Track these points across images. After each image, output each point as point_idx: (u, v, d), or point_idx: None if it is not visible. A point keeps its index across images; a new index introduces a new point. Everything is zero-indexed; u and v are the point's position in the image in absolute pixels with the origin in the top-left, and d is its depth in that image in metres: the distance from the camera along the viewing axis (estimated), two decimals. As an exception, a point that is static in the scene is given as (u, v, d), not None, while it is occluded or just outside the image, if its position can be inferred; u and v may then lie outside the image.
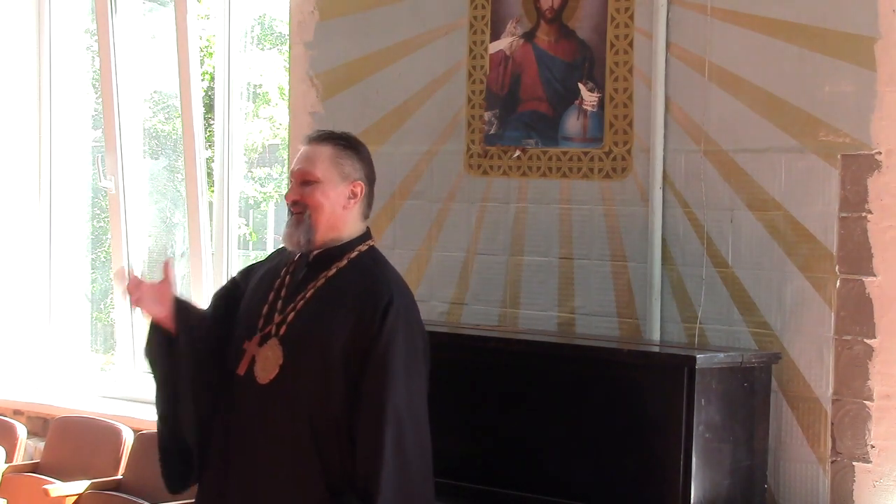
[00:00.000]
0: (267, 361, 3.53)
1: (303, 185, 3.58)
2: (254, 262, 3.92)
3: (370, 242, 3.66)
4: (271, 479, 3.52)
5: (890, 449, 4.06)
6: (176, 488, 3.76)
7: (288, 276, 3.62)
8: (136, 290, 3.61)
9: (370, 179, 3.68)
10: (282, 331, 3.53)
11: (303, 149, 3.65)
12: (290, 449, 3.50)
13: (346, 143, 3.64)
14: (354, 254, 3.60)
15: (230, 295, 3.77)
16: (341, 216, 3.58)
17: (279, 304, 3.59)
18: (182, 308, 3.64)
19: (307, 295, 3.55)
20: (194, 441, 3.65)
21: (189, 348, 3.61)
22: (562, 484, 4.16)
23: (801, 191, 4.23)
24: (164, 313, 3.60)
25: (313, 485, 3.47)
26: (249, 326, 3.60)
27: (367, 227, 3.70)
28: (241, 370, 3.56)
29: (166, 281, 3.65)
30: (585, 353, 4.28)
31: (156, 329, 3.65)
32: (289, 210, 3.61)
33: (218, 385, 3.64)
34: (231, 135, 6.21)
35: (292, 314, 3.54)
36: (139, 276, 3.66)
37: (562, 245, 4.74)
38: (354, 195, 3.61)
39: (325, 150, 3.59)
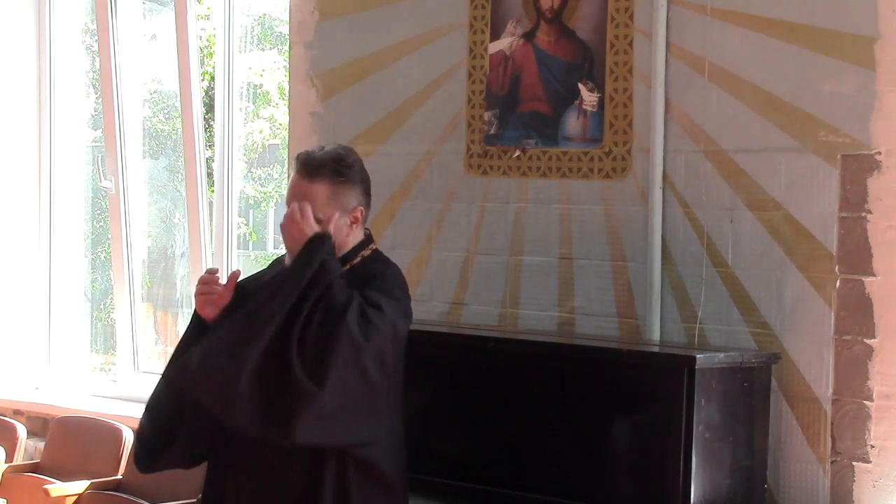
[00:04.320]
0: None
1: None
2: (258, 271, 3.93)
3: (373, 246, 3.67)
4: (268, 480, 3.53)
5: (890, 449, 4.06)
6: (146, 468, 3.75)
7: None
8: (209, 287, 3.61)
9: (368, 194, 3.67)
10: None
11: (296, 181, 3.60)
12: (290, 452, 3.51)
13: (340, 171, 3.58)
14: (357, 259, 3.61)
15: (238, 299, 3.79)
16: (343, 241, 3.60)
17: None
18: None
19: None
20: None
21: None
22: (561, 484, 4.16)
23: (801, 191, 4.23)
24: (213, 314, 3.62)
25: (309, 482, 3.50)
26: None
27: (369, 231, 3.70)
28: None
29: (229, 289, 3.65)
30: (585, 353, 4.28)
31: (197, 321, 3.67)
32: None
33: None
34: (231, 135, 6.21)
35: None
36: (216, 271, 3.70)
37: (562, 245, 4.74)
38: (356, 220, 3.61)
39: (322, 189, 3.55)
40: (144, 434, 3.70)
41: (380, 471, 3.55)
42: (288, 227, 3.54)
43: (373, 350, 3.41)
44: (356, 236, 3.64)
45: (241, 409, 3.40)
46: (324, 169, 3.58)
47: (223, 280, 3.69)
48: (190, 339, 3.64)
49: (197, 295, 3.63)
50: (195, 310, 3.67)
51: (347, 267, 3.58)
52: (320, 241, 3.48)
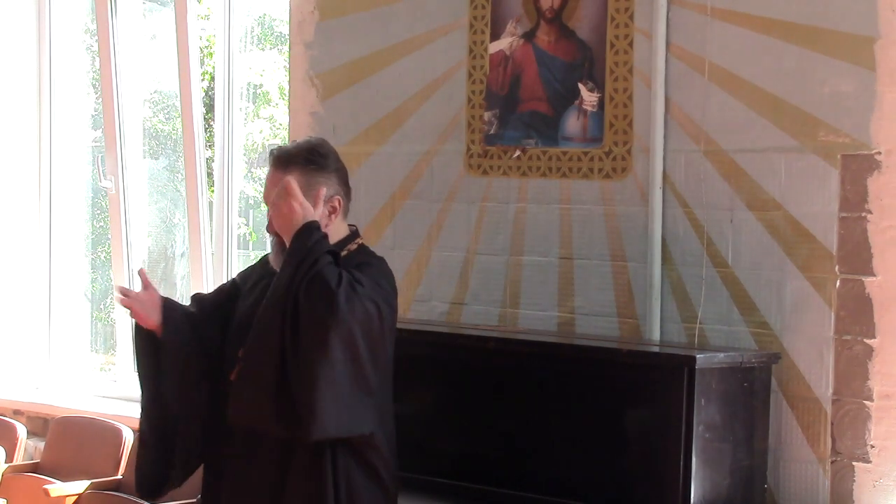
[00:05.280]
0: None
1: None
2: (251, 264, 3.93)
3: (359, 241, 3.67)
4: (267, 476, 3.54)
5: (890, 449, 4.06)
6: (149, 493, 3.78)
7: None
8: (130, 301, 3.63)
9: (344, 182, 3.66)
10: None
11: (270, 174, 3.61)
12: (285, 447, 3.52)
13: (313, 163, 3.59)
14: (343, 253, 3.60)
15: (229, 294, 3.79)
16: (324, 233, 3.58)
17: None
18: (169, 310, 3.66)
19: None
20: (182, 440, 3.67)
21: (175, 349, 3.65)
22: (561, 484, 4.16)
23: (801, 191, 4.23)
24: (157, 319, 3.63)
25: (306, 479, 3.50)
26: (242, 334, 3.62)
27: (354, 227, 3.70)
28: (234, 376, 3.58)
29: (150, 288, 3.67)
30: (585, 353, 4.28)
31: (140, 331, 3.68)
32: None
33: (214, 385, 3.67)
34: (231, 135, 6.21)
35: None
36: (126, 287, 3.69)
37: (562, 245, 4.74)
38: (334, 209, 3.61)
39: (296, 179, 3.54)
40: (147, 462, 3.72)
41: (376, 467, 3.55)
42: (277, 206, 3.52)
43: (361, 332, 3.43)
44: (339, 229, 3.63)
45: (269, 417, 3.46)
46: (296, 158, 3.59)
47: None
48: (142, 350, 3.68)
49: (132, 315, 3.65)
50: (136, 325, 3.70)
51: None
52: (308, 231, 3.48)
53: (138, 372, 3.73)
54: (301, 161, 3.59)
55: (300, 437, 3.44)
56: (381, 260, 3.66)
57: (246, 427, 3.56)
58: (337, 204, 3.61)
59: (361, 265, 3.55)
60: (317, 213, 3.54)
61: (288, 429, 3.45)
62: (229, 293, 3.80)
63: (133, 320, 3.69)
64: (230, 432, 3.62)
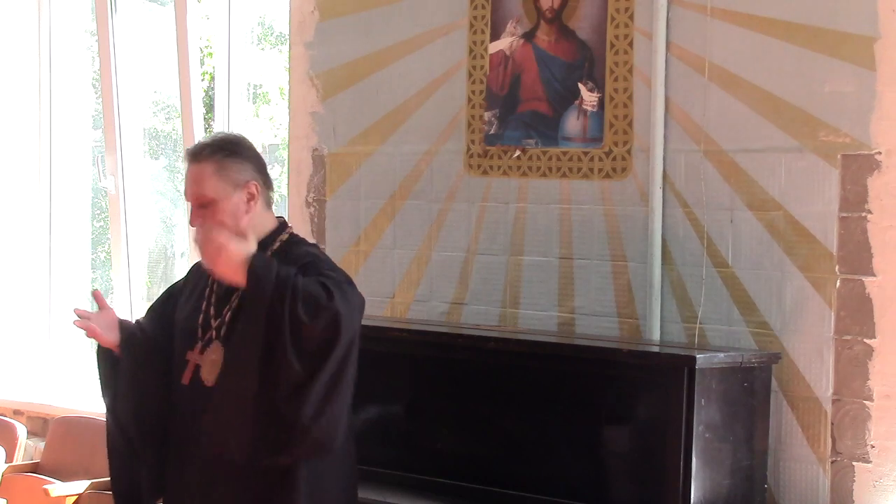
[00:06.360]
0: (213, 364, 3.56)
1: (200, 208, 3.57)
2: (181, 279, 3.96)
3: (290, 230, 3.68)
4: (232, 471, 3.54)
5: (890, 449, 4.06)
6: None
7: (216, 284, 3.63)
8: (87, 323, 3.66)
9: (261, 170, 3.67)
10: (223, 332, 3.57)
11: (186, 170, 3.63)
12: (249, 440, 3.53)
13: (225, 150, 3.59)
14: (276, 245, 3.61)
15: (167, 305, 3.81)
16: (247, 220, 3.57)
17: (212, 310, 3.62)
18: (126, 330, 3.70)
19: (240, 293, 3.53)
20: (148, 454, 3.70)
21: (132, 366, 3.67)
22: (562, 484, 4.16)
23: (801, 191, 4.23)
24: (115, 338, 3.66)
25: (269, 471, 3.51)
26: (189, 338, 3.64)
27: (282, 218, 3.71)
28: (186, 380, 3.60)
29: (107, 309, 3.70)
30: (585, 353, 4.28)
31: (102, 350, 3.72)
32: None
33: (165, 394, 3.69)
34: (231, 135, 6.21)
35: (229, 313, 3.58)
36: (84, 310, 3.72)
37: (562, 245, 4.74)
38: (252, 196, 3.60)
39: (208, 167, 3.56)
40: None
41: (335, 456, 3.56)
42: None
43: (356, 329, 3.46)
44: (265, 220, 3.63)
45: (246, 446, 3.47)
46: (208, 148, 3.61)
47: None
48: (107, 372, 3.71)
49: (88, 335, 3.67)
50: (98, 346, 3.72)
51: (268, 253, 3.57)
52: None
53: (102, 389, 3.77)
54: (209, 151, 3.60)
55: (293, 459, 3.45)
56: (315, 246, 3.68)
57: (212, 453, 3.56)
58: (254, 189, 3.60)
59: (307, 265, 3.52)
60: (234, 199, 3.54)
61: (271, 456, 3.45)
62: (165, 303, 3.83)
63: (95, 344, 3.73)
64: (187, 455, 3.62)
